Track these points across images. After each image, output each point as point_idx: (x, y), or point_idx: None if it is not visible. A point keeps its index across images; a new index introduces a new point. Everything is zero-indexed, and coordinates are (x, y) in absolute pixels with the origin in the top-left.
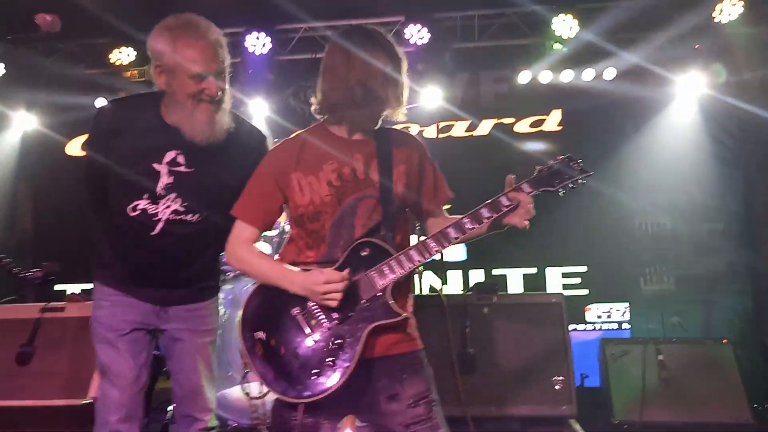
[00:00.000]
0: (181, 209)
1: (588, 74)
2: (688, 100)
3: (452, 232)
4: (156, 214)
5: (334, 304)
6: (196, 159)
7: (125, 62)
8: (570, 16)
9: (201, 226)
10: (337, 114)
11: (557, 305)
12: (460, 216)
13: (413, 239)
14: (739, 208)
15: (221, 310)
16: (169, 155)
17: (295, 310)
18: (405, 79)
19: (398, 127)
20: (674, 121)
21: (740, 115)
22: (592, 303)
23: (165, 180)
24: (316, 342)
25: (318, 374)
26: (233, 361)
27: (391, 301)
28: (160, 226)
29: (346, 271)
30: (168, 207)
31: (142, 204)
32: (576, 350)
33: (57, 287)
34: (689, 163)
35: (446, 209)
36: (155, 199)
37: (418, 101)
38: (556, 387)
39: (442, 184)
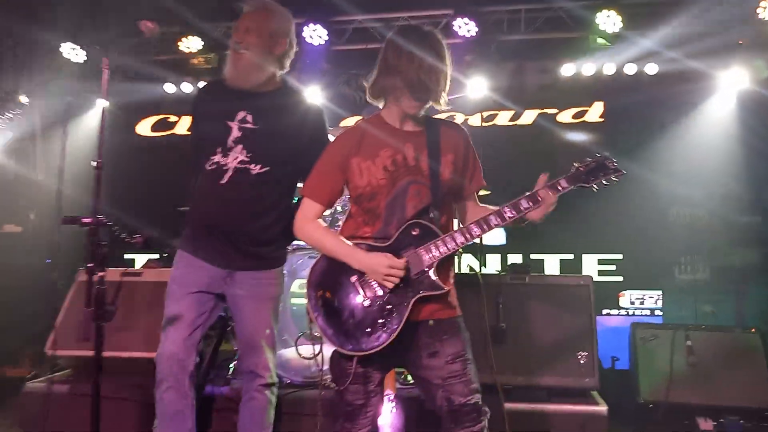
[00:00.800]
0: (246, 159)
1: (630, 68)
2: (728, 94)
3: (493, 219)
4: (226, 164)
5: (390, 286)
6: (260, 116)
7: (193, 50)
8: (614, 12)
9: (264, 178)
10: (386, 104)
11: (585, 287)
12: (499, 206)
13: (455, 222)
14: None
15: None
16: (240, 114)
17: (354, 278)
18: (449, 74)
19: (444, 116)
20: (714, 115)
21: None
22: (626, 289)
23: (234, 134)
24: (370, 306)
25: (370, 333)
26: (287, 326)
27: (435, 276)
28: (228, 174)
29: (404, 261)
30: (236, 158)
31: (216, 158)
32: (609, 334)
33: (126, 256)
34: (727, 156)
35: (487, 194)
36: (226, 152)
37: (465, 91)
38: (581, 361)
39: (479, 173)
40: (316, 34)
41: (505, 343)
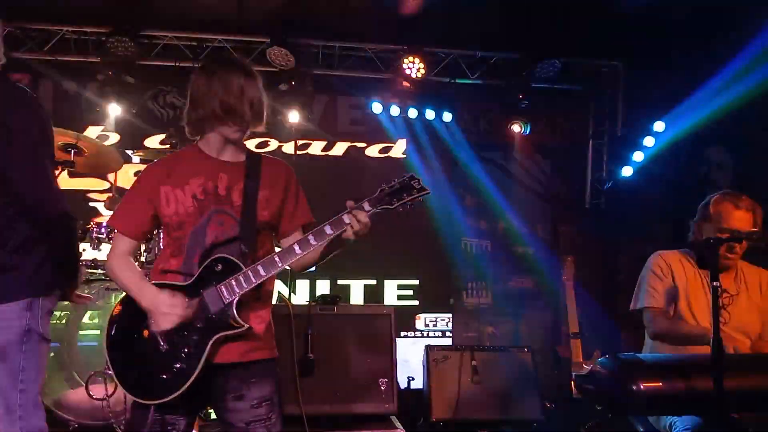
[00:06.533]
0: None
1: (429, 114)
2: (509, 140)
3: (297, 248)
4: None
5: (167, 326)
6: None
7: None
8: (417, 59)
9: None
10: (203, 131)
11: (387, 316)
12: (306, 234)
13: None
14: (547, 236)
15: (57, 313)
16: None
17: (151, 321)
18: (263, 96)
19: (257, 141)
20: (498, 158)
21: (552, 157)
22: (421, 313)
23: None
24: (167, 350)
25: (167, 380)
26: (74, 363)
27: (234, 314)
28: None
29: (194, 302)
30: None
31: None
32: (406, 355)
33: None
34: (509, 195)
35: None
36: None
37: (279, 120)
38: (382, 387)
39: (303, 210)
40: (121, 45)
41: (313, 374)
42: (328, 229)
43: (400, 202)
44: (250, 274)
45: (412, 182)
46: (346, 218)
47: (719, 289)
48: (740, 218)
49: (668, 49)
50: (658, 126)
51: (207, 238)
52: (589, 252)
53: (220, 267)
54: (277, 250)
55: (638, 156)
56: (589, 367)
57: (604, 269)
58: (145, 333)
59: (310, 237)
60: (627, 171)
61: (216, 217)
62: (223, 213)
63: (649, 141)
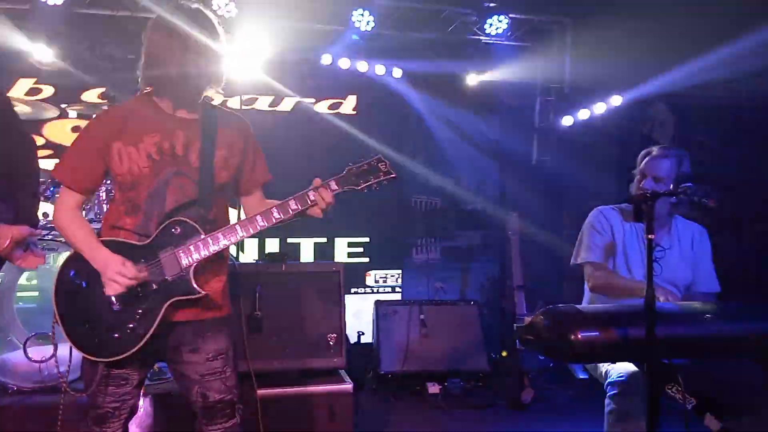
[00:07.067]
0: None
1: (379, 69)
2: (459, 96)
3: (260, 220)
4: None
5: (111, 292)
6: None
7: None
8: (367, 12)
9: None
10: (156, 88)
11: (336, 273)
12: (271, 204)
13: (233, 214)
14: (495, 192)
15: None
16: None
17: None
18: (222, 57)
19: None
20: (447, 115)
21: (500, 114)
22: (372, 269)
23: None
24: (120, 310)
25: (119, 338)
26: (12, 326)
27: (193, 280)
28: None
29: (142, 275)
30: None
31: None
32: (357, 311)
33: None
34: (457, 152)
35: None
36: None
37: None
38: (331, 343)
39: (261, 168)
40: None
41: (262, 331)
42: (292, 204)
43: (366, 184)
44: (210, 240)
45: (379, 165)
46: (312, 195)
47: (653, 242)
48: (667, 169)
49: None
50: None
51: (167, 202)
52: (534, 207)
53: (178, 230)
54: (235, 217)
55: (584, 113)
56: (530, 318)
57: (548, 224)
58: (97, 291)
59: (274, 210)
60: (567, 120)
61: (175, 180)
62: (182, 175)
63: (600, 107)
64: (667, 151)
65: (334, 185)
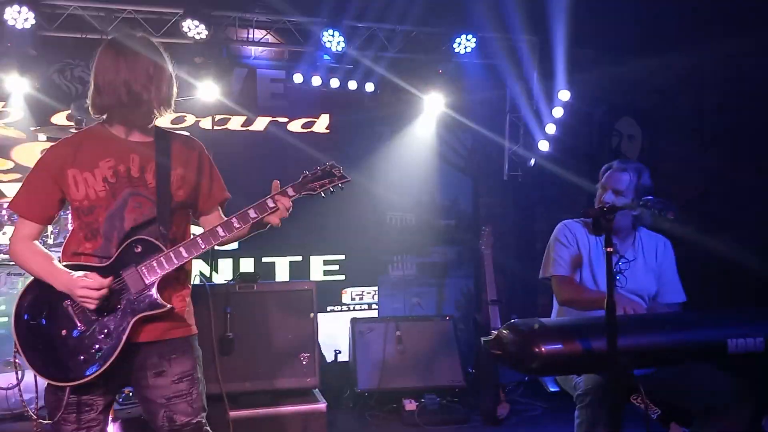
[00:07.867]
0: None
1: (352, 85)
2: (431, 114)
3: (220, 231)
4: None
5: (90, 306)
6: None
7: None
8: (337, 33)
9: None
10: (109, 115)
11: (309, 291)
12: (230, 216)
13: (196, 231)
14: (468, 208)
15: None
16: None
17: (67, 302)
18: (173, 80)
19: (174, 116)
20: (420, 132)
21: (472, 131)
22: (347, 287)
23: None
24: (84, 332)
25: (84, 360)
26: None
27: (157, 295)
28: None
29: (107, 280)
30: None
31: None
32: (333, 329)
33: None
34: (431, 169)
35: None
36: None
37: (195, 94)
38: (304, 362)
39: (219, 186)
40: (21, 16)
41: (233, 352)
42: (252, 213)
43: (322, 189)
44: (172, 255)
45: (333, 170)
46: (270, 202)
47: (616, 254)
48: (626, 182)
49: (582, 25)
50: (563, 95)
51: (125, 222)
52: (507, 222)
53: (139, 248)
54: (197, 231)
55: (550, 128)
56: (496, 332)
57: (521, 238)
58: (59, 314)
59: (234, 220)
60: (543, 145)
61: (132, 200)
62: (139, 195)
63: (557, 111)
64: (626, 165)
65: (291, 191)
